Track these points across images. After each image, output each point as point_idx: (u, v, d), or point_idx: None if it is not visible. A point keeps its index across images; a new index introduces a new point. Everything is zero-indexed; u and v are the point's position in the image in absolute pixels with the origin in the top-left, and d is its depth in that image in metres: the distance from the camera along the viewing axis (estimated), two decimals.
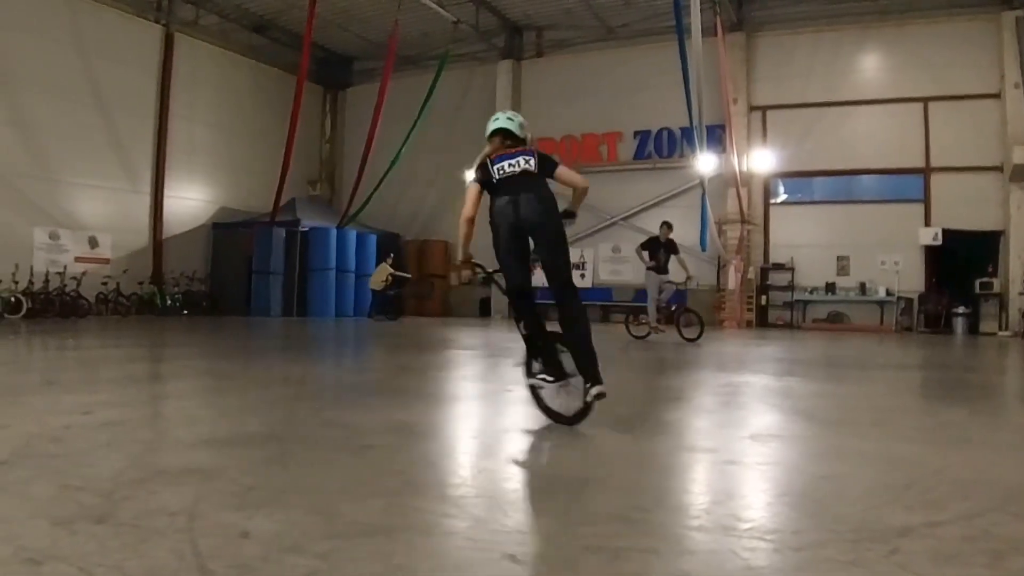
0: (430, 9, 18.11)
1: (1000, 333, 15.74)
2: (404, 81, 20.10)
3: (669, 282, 11.34)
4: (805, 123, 18.07)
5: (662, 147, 19.61)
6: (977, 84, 16.47)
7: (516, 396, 5.15)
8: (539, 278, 4.05)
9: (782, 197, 18.88)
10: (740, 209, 17.87)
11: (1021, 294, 15.58)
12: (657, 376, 7.26)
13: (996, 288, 16.13)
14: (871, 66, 17.84)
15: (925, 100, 17.03)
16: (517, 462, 3.30)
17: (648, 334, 11.54)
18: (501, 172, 3.95)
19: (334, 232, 19.13)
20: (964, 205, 16.46)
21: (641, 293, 18.31)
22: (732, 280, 17.72)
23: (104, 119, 17.11)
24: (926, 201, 17.10)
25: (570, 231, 4.06)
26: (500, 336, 12.58)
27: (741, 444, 3.67)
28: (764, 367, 7.96)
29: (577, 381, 3.78)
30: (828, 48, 17.88)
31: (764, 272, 18.34)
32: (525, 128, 4.18)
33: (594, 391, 3.65)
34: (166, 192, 18.53)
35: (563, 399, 3.88)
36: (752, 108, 18.64)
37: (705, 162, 16.64)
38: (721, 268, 18.25)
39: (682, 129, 18.47)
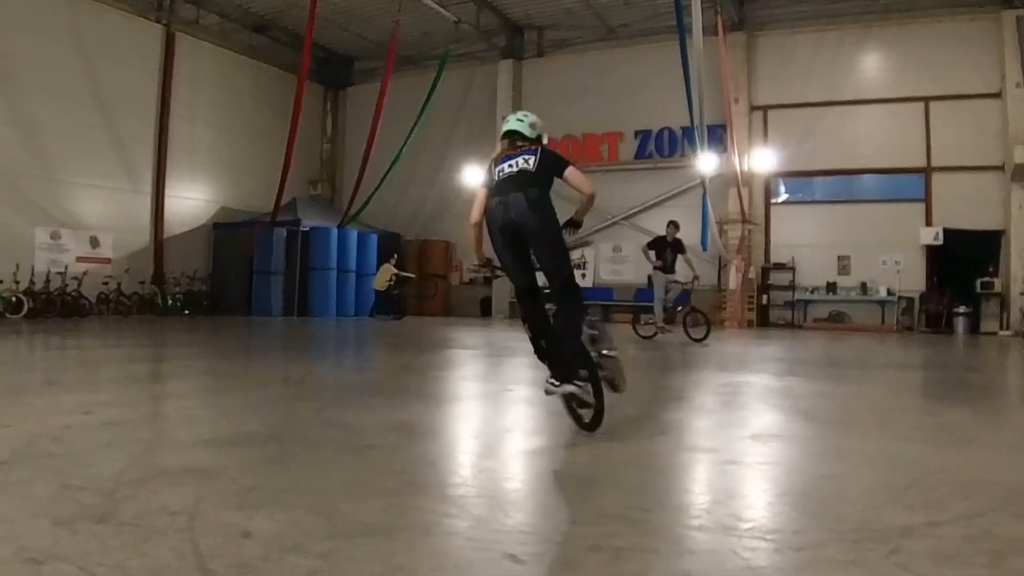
0: (431, 9, 18.10)
1: (1001, 333, 15.72)
2: (405, 81, 20.09)
3: (676, 282, 11.28)
4: (806, 123, 18.05)
5: (663, 147, 19.60)
6: (978, 83, 16.45)
7: (517, 396, 5.16)
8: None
9: (783, 197, 18.86)
10: (741, 209, 17.86)
11: (1022, 294, 15.56)
12: (659, 376, 7.26)
13: (997, 288, 16.10)
14: (872, 66, 17.83)
15: (926, 100, 17.01)
16: (518, 462, 3.31)
17: (655, 334, 11.53)
18: (500, 174, 3.90)
19: (335, 232, 19.13)
20: (965, 205, 16.44)
21: (642, 293, 18.41)
22: (733, 280, 17.71)
23: (105, 119, 17.11)
24: (927, 201, 17.09)
25: (574, 238, 3.99)
26: (501, 336, 12.58)
27: (742, 444, 3.67)
28: (765, 367, 7.96)
29: (592, 385, 3.67)
30: (829, 48, 17.87)
31: (765, 272, 18.33)
32: (537, 127, 4.07)
33: (549, 384, 3.59)
34: (167, 192, 18.52)
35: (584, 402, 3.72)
36: (753, 108, 18.63)
37: (706, 162, 16.62)
38: (722, 268, 18.24)
39: (683, 129, 18.45)
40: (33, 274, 15.18)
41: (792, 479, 2.99)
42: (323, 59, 22.43)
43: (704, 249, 17.31)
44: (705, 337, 10.90)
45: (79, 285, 15.84)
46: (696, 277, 11.41)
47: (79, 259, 16.48)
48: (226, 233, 19.59)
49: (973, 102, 16.53)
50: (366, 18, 19.99)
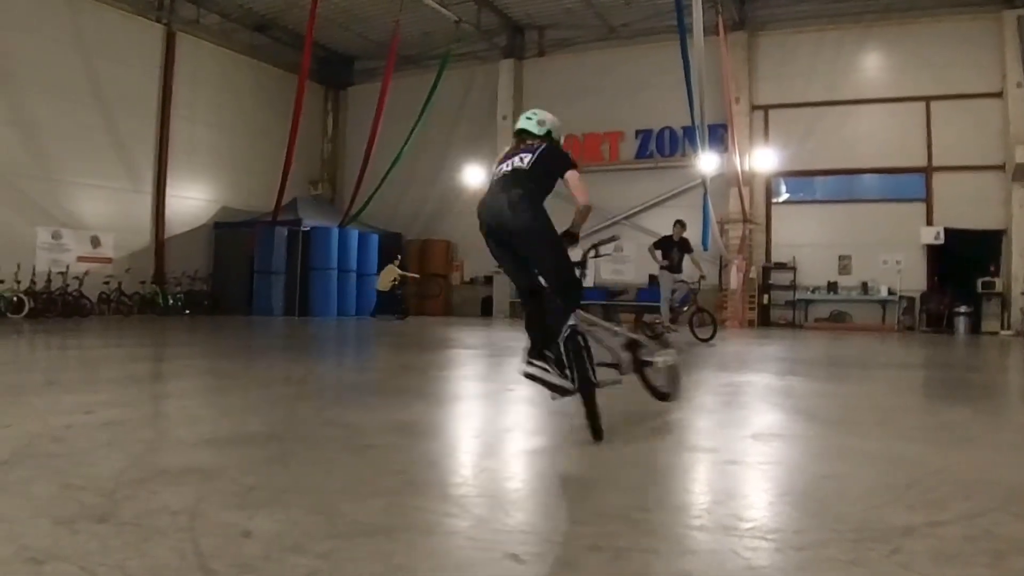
0: (431, 8, 18.10)
1: (1002, 332, 15.71)
2: (406, 80, 20.09)
3: (682, 281, 11.17)
4: (807, 122, 18.04)
5: (664, 146, 19.59)
6: (979, 83, 16.44)
7: (517, 396, 5.15)
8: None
9: (784, 196, 18.85)
10: (742, 208, 17.86)
11: (1023, 293, 15.56)
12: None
13: (998, 287, 16.09)
14: (873, 65, 17.82)
15: (927, 99, 17.00)
16: (518, 462, 3.30)
17: (661, 334, 11.47)
18: (496, 175, 3.83)
19: (336, 232, 19.13)
20: (966, 204, 16.43)
21: (642, 292, 18.40)
22: (734, 279, 17.71)
23: (105, 119, 17.11)
24: (928, 200, 17.08)
25: (599, 240, 3.97)
26: (502, 335, 12.58)
27: (743, 444, 3.67)
28: (766, 366, 7.95)
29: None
30: (830, 47, 17.86)
31: (766, 271, 18.33)
32: (547, 124, 3.95)
33: (524, 364, 3.65)
34: (168, 192, 18.53)
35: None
36: (754, 107, 18.62)
37: (707, 161, 16.62)
38: (723, 267, 18.23)
39: (684, 128, 18.43)
40: (34, 274, 15.19)
41: (793, 479, 2.99)
42: (324, 59, 22.43)
43: (705, 249, 17.30)
44: (712, 337, 10.78)
45: (80, 285, 15.85)
46: (703, 276, 11.36)
47: (80, 259, 16.49)
48: (227, 233, 19.60)
49: (974, 102, 16.52)
50: (367, 18, 19.99)
